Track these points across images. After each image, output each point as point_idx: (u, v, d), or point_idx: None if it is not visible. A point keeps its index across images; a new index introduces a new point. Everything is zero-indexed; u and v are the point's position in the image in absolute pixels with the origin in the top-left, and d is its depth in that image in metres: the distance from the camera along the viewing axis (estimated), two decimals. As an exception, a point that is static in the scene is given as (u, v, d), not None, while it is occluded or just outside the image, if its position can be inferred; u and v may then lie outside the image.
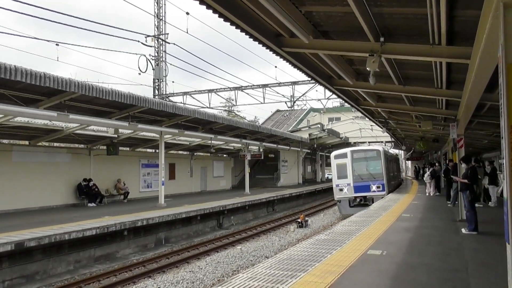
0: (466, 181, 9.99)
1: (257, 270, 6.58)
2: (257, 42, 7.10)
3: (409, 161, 58.26)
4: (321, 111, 47.45)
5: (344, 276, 6.06)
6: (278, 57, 8.10)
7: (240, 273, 6.43)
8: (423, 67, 8.61)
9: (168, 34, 32.65)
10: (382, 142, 43.16)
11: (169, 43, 31.61)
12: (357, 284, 5.65)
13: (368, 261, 7.00)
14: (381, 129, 21.70)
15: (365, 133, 44.58)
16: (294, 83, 30.77)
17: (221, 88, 32.34)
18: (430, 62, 7.75)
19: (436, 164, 24.87)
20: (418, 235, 9.57)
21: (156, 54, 31.79)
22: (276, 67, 34.46)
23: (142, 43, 25.85)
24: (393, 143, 43.53)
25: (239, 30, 6.46)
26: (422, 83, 10.08)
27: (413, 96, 11.58)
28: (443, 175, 19.85)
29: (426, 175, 23.00)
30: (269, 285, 5.70)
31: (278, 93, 47.32)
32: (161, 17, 31.52)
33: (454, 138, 12.02)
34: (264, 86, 30.42)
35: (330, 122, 52.31)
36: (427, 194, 21.85)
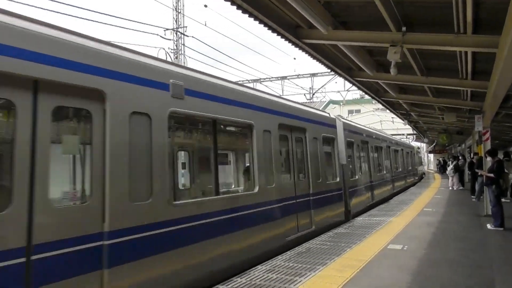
0: (492, 175, 9.70)
1: (275, 263, 6.57)
2: (275, 34, 7.03)
3: (432, 154, 57.11)
4: (341, 103, 46.86)
5: (363, 270, 5.98)
6: (297, 49, 8.00)
7: (259, 265, 6.43)
8: (447, 57, 8.38)
9: (186, 27, 32.77)
10: (403, 134, 42.40)
11: (187, 36, 31.74)
12: (376, 279, 5.57)
13: (388, 256, 6.89)
14: (403, 122, 21.25)
15: (386, 126, 43.88)
16: (313, 75, 30.45)
17: (239, 81, 32.35)
18: (454, 52, 7.52)
19: (460, 157, 24.28)
20: (441, 230, 9.37)
21: (175, 47, 31.97)
22: (295, 59, 34.18)
23: (161, 36, 25.99)
24: (415, 136, 42.72)
25: (257, 22, 6.40)
26: (446, 74, 9.82)
27: (436, 87, 11.30)
28: (467, 168, 19.32)
29: (449, 168, 22.45)
30: (287, 277, 5.68)
31: (297, 85, 46.97)
32: (179, 10, 31.62)
33: (480, 131, 11.67)
34: (283, 78, 30.24)
35: (349, 114, 51.70)
36: (450, 188, 21.36)
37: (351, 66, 10.50)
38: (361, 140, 14.45)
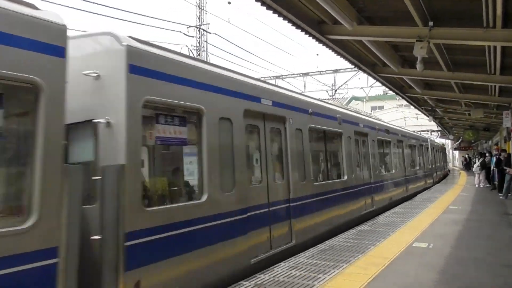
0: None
1: (298, 260, 6.59)
2: (299, 30, 7.01)
3: (457, 151, 55.78)
4: (364, 100, 46.24)
5: (388, 268, 5.93)
6: (321, 45, 7.96)
7: (282, 262, 6.46)
8: (475, 52, 8.18)
9: (209, 24, 32.99)
10: (427, 131, 41.55)
11: (209, 33, 31.92)
12: (402, 277, 5.52)
13: (413, 253, 6.80)
14: (427, 118, 20.84)
15: (409, 122, 43.08)
16: (336, 71, 30.17)
17: (261, 77, 32.33)
18: (483, 46, 7.34)
19: (487, 154, 23.62)
20: (467, 228, 9.18)
21: (198, 45, 32.21)
22: (317, 55, 33.94)
23: (184, 33, 26.22)
24: (439, 132, 41.80)
25: (281, 19, 6.40)
26: (473, 69, 9.59)
27: (463, 83, 11.04)
28: (494, 166, 18.79)
29: (475, 165, 21.88)
30: (311, 274, 5.69)
31: (319, 81, 46.61)
32: (202, 7, 31.83)
33: (508, 127, 11.34)
34: (305, 74, 30.08)
35: (372, 111, 50.94)
36: (476, 185, 20.84)
37: (376, 62, 10.36)
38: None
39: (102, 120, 4.35)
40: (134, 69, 4.50)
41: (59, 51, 3.73)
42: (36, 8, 3.73)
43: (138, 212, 4.39)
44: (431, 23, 6.31)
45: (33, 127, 3.50)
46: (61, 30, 3.79)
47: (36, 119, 3.49)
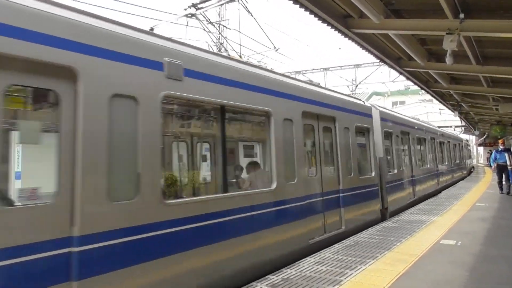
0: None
1: (324, 255, 6.57)
2: (325, 24, 6.94)
3: (481, 147, 54.37)
4: (385, 95, 45.49)
5: (416, 265, 5.86)
6: (347, 39, 7.87)
7: (307, 257, 6.46)
8: (506, 44, 7.94)
9: (229, 20, 32.95)
10: (451, 126, 40.63)
11: (229, 29, 31.90)
12: (431, 274, 5.44)
13: (441, 251, 6.69)
14: (452, 113, 20.35)
15: (432, 117, 42.25)
16: (357, 65, 29.76)
17: (281, 73, 32.15)
18: (515, 38, 7.10)
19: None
20: (496, 225, 8.96)
21: (218, 40, 32.24)
22: (340, 48, 33.53)
23: (204, 29, 26.29)
24: (463, 128, 40.80)
25: (307, 13, 6.35)
26: (504, 62, 9.30)
27: (492, 77, 10.73)
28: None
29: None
30: (337, 270, 5.67)
31: (341, 77, 46.09)
32: (222, 2, 31.78)
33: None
34: (325, 69, 29.80)
35: (394, 106, 50.14)
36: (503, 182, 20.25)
37: (401, 56, 10.17)
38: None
39: None
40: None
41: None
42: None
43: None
44: (462, 15, 6.14)
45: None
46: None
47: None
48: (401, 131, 13.24)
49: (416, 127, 15.58)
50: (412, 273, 5.49)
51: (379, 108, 11.52)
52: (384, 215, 10.72)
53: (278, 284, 5.12)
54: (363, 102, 10.58)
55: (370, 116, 10.49)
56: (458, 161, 25.12)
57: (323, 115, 8.08)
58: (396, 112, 14.54)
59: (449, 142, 23.17)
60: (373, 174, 10.19)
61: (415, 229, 8.61)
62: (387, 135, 11.81)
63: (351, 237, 8.00)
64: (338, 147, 8.48)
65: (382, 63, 11.33)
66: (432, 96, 16.21)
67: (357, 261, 6.11)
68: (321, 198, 7.71)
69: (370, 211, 9.78)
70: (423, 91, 15.56)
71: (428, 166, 17.08)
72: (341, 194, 8.40)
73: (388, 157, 11.97)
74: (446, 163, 21.31)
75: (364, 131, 10.20)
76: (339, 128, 8.58)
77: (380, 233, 8.32)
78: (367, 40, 8.51)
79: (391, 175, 11.68)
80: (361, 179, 9.45)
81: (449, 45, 6.41)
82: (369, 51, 9.08)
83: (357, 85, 31.95)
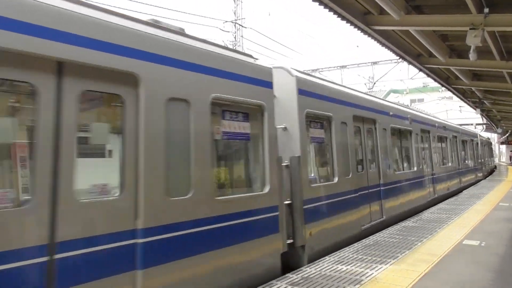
0: None
1: (343, 254, 6.51)
2: (345, 22, 6.86)
3: (504, 146, 53.04)
4: (404, 92, 44.77)
5: (438, 265, 5.75)
6: (366, 36, 7.76)
7: (327, 256, 6.41)
8: (532, 39, 7.70)
9: (244, 18, 32.95)
10: (471, 124, 39.76)
11: (245, 27, 31.93)
12: (454, 274, 5.32)
13: (464, 251, 6.55)
14: (474, 110, 19.90)
15: (452, 115, 41.40)
16: (374, 63, 29.42)
17: (305, 70, 31.96)
18: (542, 33, 6.90)
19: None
20: (521, 226, 8.72)
21: (234, 40, 32.32)
22: (358, 46, 33.22)
23: (220, 29, 26.38)
24: (484, 126, 39.87)
25: (327, 10, 6.29)
26: (529, 58, 9.04)
27: (517, 73, 10.45)
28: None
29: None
30: (358, 269, 5.61)
31: (359, 75, 45.57)
32: (237, 2, 31.85)
33: None
34: (342, 67, 29.54)
35: (412, 104, 49.34)
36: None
37: (421, 53, 9.99)
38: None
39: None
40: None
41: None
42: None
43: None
44: (486, 10, 5.98)
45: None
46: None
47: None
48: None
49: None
50: (434, 273, 5.39)
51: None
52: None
53: (298, 283, 5.09)
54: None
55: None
56: (471, 160, 24.03)
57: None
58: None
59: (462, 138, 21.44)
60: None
61: (436, 228, 8.46)
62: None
63: (370, 237, 7.90)
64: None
65: (401, 60, 11.16)
66: (453, 93, 15.90)
67: (377, 261, 6.03)
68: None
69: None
70: (443, 88, 15.27)
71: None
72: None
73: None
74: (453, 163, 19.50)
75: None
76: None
77: (400, 232, 8.20)
78: (387, 36, 8.38)
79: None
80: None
81: (472, 40, 6.25)
82: (389, 48, 8.94)
83: (374, 83, 31.59)
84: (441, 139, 16.10)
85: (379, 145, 9.58)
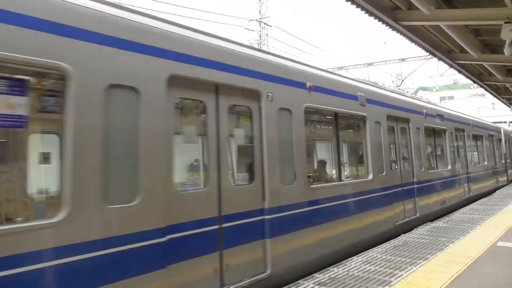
0: None
1: (371, 255, 6.40)
2: (372, 18, 6.73)
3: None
4: (433, 89, 43.63)
5: (471, 267, 5.56)
6: (394, 31, 7.59)
7: (354, 256, 6.32)
8: None
9: (269, 17, 32.90)
10: (505, 122, 38.33)
11: (270, 26, 31.86)
12: (488, 277, 5.14)
13: (498, 253, 6.31)
14: (509, 107, 19.15)
15: (484, 113, 40.04)
16: (402, 60, 28.75)
17: (323, 69, 31.67)
18: None
19: None
20: (560, 228, 8.34)
21: (259, 38, 32.32)
22: (385, 43, 32.63)
23: (245, 27, 26.43)
24: (519, 123, 38.36)
25: (354, 6, 6.19)
26: None
27: (555, 68, 9.98)
28: None
29: None
30: (386, 270, 5.50)
31: (386, 72, 44.65)
32: (263, 1, 31.81)
33: None
34: (369, 64, 29.03)
35: (441, 101, 48.03)
36: None
37: (452, 48, 9.68)
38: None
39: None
40: None
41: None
42: None
43: None
44: (523, 3, 5.74)
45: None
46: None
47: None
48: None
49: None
50: (467, 275, 5.22)
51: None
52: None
53: (325, 283, 5.05)
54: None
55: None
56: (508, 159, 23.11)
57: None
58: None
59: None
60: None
61: (468, 229, 8.20)
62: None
63: (399, 237, 7.75)
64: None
65: (431, 57, 10.87)
66: (485, 90, 15.35)
67: (407, 262, 5.90)
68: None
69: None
70: (475, 85, 14.77)
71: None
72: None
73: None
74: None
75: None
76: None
77: (430, 233, 7.99)
78: (416, 32, 8.17)
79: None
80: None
81: (508, 34, 6.01)
82: (418, 44, 8.71)
83: (402, 80, 30.92)
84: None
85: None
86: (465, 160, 13.63)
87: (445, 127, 12.22)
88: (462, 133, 13.94)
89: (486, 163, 16.46)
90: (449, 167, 12.16)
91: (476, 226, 8.52)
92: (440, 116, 12.00)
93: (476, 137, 15.66)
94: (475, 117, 16.99)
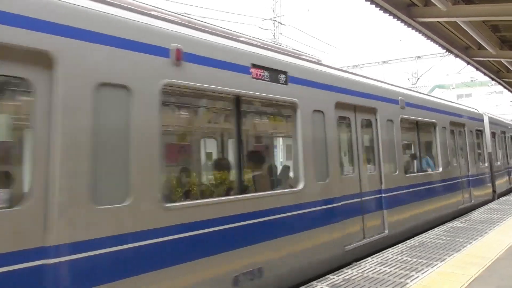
0: None
1: (386, 256, 6.31)
2: (387, 14, 6.62)
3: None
4: (450, 87, 42.81)
5: (490, 269, 5.43)
6: (410, 28, 7.46)
7: (369, 258, 6.23)
8: None
9: (283, 16, 32.79)
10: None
11: (284, 25, 31.73)
12: (508, 279, 5.00)
13: (518, 255, 6.15)
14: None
15: (503, 110, 39.16)
16: (418, 57, 28.33)
17: (343, 67, 31.40)
18: None
19: None
20: None
21: (273, 37, 32.22)
22: (400, 40, 32.22)
23: (259, 27, 26.39)
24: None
25: (368, 3, 6.09)
26: None
27: None
28: None
29: None
30: (402, 272, 5.41)
31: (404, 71, 44.04)
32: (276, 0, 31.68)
33: None
34: (384, 62, 28.70)
35: (458, 99, 47.11)
36: None
37: (469, 45, 9.47)
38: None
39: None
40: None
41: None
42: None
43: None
44: (543, -3, 5.57)
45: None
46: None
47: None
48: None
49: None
50: (486, 277, 5.10)
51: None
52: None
53: (339, 285, 4.98)
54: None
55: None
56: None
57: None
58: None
59: None
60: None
61: (486, 230, 8.02)
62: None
63: (415, 237, 7.62)
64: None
65: (447, 54, 10.65)
66: (504, 87, 14.99)
67: (423, 263, 5.79)
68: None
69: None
70: (493, 82, 14.44)
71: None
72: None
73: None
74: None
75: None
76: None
77: (447, 233, 7.84)
78: (432, 29, 8.01)
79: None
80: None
81: (527, 30, 5.83)
82: (434, 41, 8.54)
83: (418, 78, 30.46)
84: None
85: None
86: (379, 165, 7.81)
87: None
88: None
89: (441, 169, 10.20)
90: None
91: (495, 226, 8.33)
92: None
93: (418, 126, 9.90)
94: (413, 90, 11.69)
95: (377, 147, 7.52)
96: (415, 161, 9.87)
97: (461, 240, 7.21)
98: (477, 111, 13.77)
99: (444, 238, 7.45)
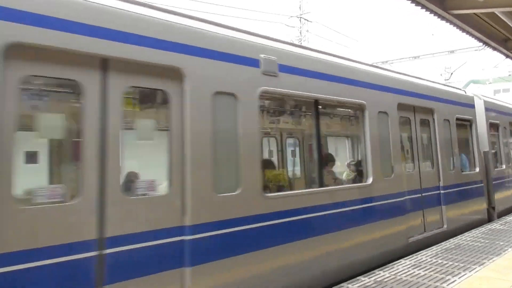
0: None
1: (420, 258, 6.06)
2: (419, 7, 6.36)
3: None
4: (486, 82, 41.11)
5: (534, 275, 5.10)
6: (444, 21, 7.14)
7: (402, 260, 6.01)
8: None
9: (309, 12, 32.44)
10: None
11: (310, 22, 31.39)
12: (554, 286, 4.69)
13: None
14: None
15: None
16: (451, 51, 27.29)
17: (367, 64, 30.76)
18: None
19: None
20: None
21: (299, 35, 31.95)
22: (433, 35, 31.21)
23: (285, 24, 26.20)
24: None
25: (399, -4, 5.84)
26: None
27: None
28: None
29: None
30: (437, 275, 5.17)
31: (437, 67, 42.61)
32: (303, -3, 31.38)
33: None
34: (415, 57, 27.82)
35: (496, 94, 45.18)
36: None
37: (508, 37, 8.99)
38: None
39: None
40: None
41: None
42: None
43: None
44: None
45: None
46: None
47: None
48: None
49: None
50: (529, 284, 4.79)
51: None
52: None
53: (371, 287, 4.81)
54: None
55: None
56: None
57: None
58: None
59: None
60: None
61: (528, 233, 7.59)
62: None
63: (451, 240, 7.30)
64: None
65: (484, 47, 10.16)
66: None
67: (460, 267, 5.52)
68: None
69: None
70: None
71: None
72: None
73: None
74: None
75: None
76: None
77: (486, 236, 7.47)
78: (467, 21, 7.64)
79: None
80: None
81: None
82: (469, 34, 8.15)
83: (451, 73, 29.40)
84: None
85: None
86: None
87: None
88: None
89: (371, 180, 6.79)
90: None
91: (538, 229, 7.87)
92: None
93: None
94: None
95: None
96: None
97: (502, 243, 6.84)
98: (464, 93, 9.63)
99: (483, 240, 7.09)
